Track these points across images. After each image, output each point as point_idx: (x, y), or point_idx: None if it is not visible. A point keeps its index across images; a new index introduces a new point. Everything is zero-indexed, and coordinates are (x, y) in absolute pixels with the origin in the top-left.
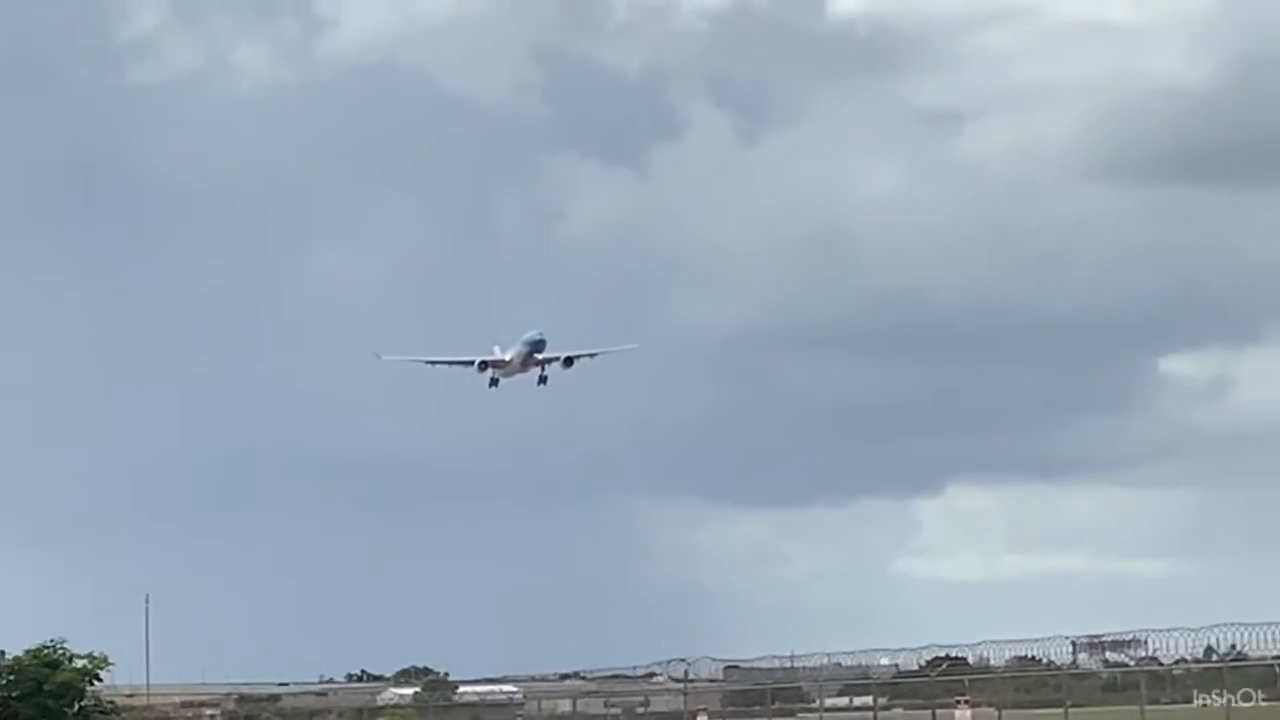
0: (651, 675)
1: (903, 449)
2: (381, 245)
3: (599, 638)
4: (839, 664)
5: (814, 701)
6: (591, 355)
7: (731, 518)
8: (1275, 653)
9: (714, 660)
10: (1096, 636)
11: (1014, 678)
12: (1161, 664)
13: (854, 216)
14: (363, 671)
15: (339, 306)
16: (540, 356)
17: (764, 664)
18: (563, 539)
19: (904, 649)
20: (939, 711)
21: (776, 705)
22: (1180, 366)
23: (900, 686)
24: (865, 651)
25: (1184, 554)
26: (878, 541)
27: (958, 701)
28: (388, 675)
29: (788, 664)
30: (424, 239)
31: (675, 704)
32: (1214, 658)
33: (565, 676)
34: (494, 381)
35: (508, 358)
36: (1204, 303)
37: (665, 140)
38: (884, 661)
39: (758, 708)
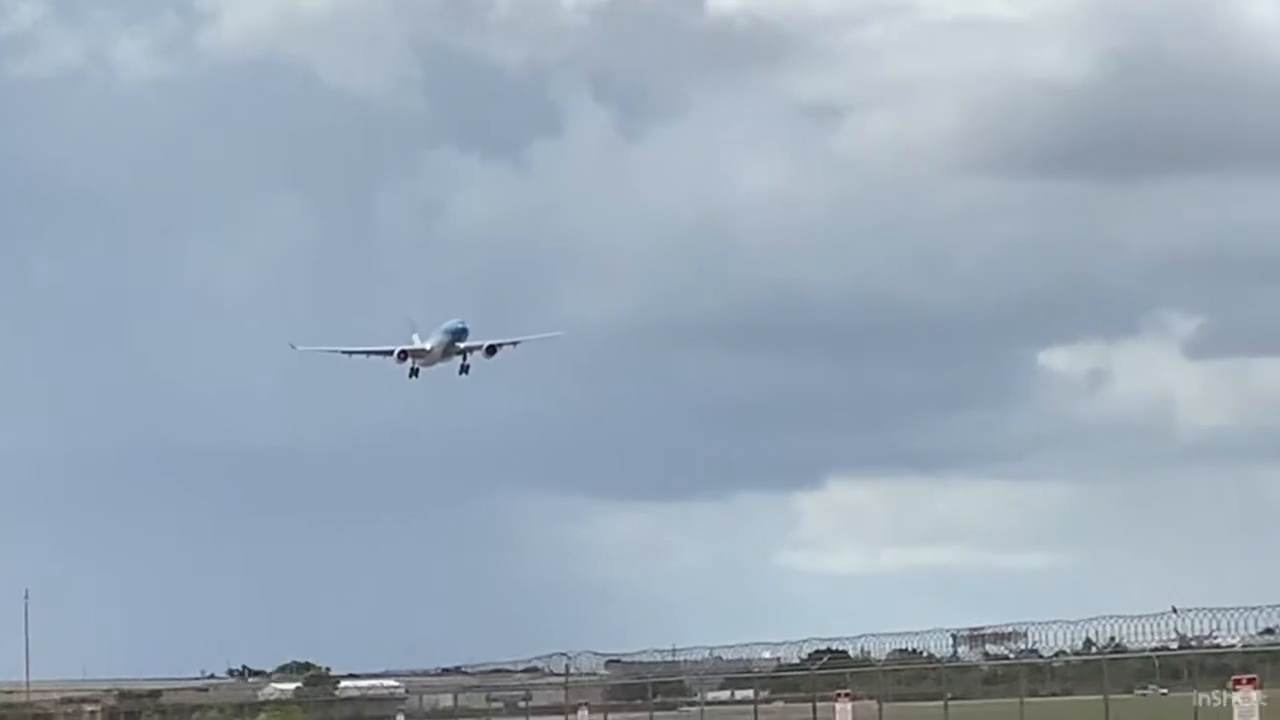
0: (533, 669)
1: (783, 442)
2: (259, 239)
3: (481, 632)
4: (720, 658)
5: (696, 695)
6: (514, 343)
7: (613, 511)
8: (1154, 645)
9: (595, 654)
10: (977, 629)
11: (894, 670)
12: (1041, 656)
13: (735, 211)
14: (244, 667)
15: (215, 301)
16: (462, 345)
17: (645, 658)
18: (445, 533)
19: (785, 642)
20: (820, 705)
21: (658, 699)
22: (1059, 360)
23: (781, 680)
24: (747, 645)
25: (1063, 546)
26: (758, 535)
27: (839, 695)
28: (269, 670)
29: (669, 657)
30: (302, 233)
31: (557, 698)
32: (1093, 650)
33: (447, 671)
34: (414, 372)
35: (428, 346)
36: (1082, 296)
37: (546, 135)
38: (765, 655)
39: (639, 701)
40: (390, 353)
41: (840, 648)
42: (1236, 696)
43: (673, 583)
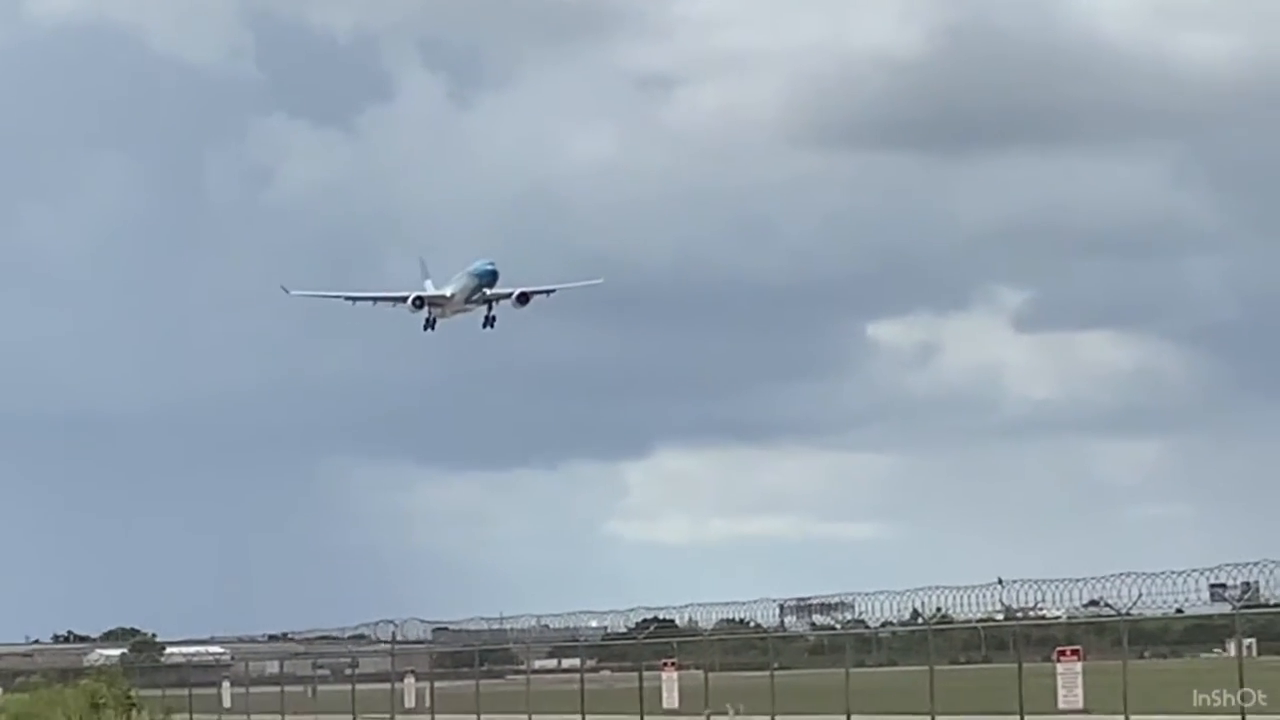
0: (360, 637)
1: (612, 412)
2: (87, 206)
3: (308, 599)
4: (547, 626)
5: (522, 663)
6: (549, 292)
7: (441, 480)
8: (980, 616)
9: (422, 622)
10: (803, 599)
11: (721, 640)
12: (868, 627)
13: (564, 179)
14: (69, 632)
15: (40, 265)
16: (490, 292)
17: (473, 626)
18: (271, 501)
19: (612, 611)
20: (646, 674)
21: (485, 667)
22: (888, 332)
23: (608, 649)
24: (574, 614)
25: (891, 517)
26: (587, 504)
27: (665, 664)
28: (95, 636)
29: (496, 626)
30: (131, 200)
31: (383, 666)
32: (919, 621)
33: (273, 638)
34: (430, 323)
35: (449, 293)
36: (912, 269)
37: (376, 102)
38: (592, 624)
39: (466, 669)
40: (403, 299)
41: (667, 617)
42: (1061, 668)
43: (501, 551)
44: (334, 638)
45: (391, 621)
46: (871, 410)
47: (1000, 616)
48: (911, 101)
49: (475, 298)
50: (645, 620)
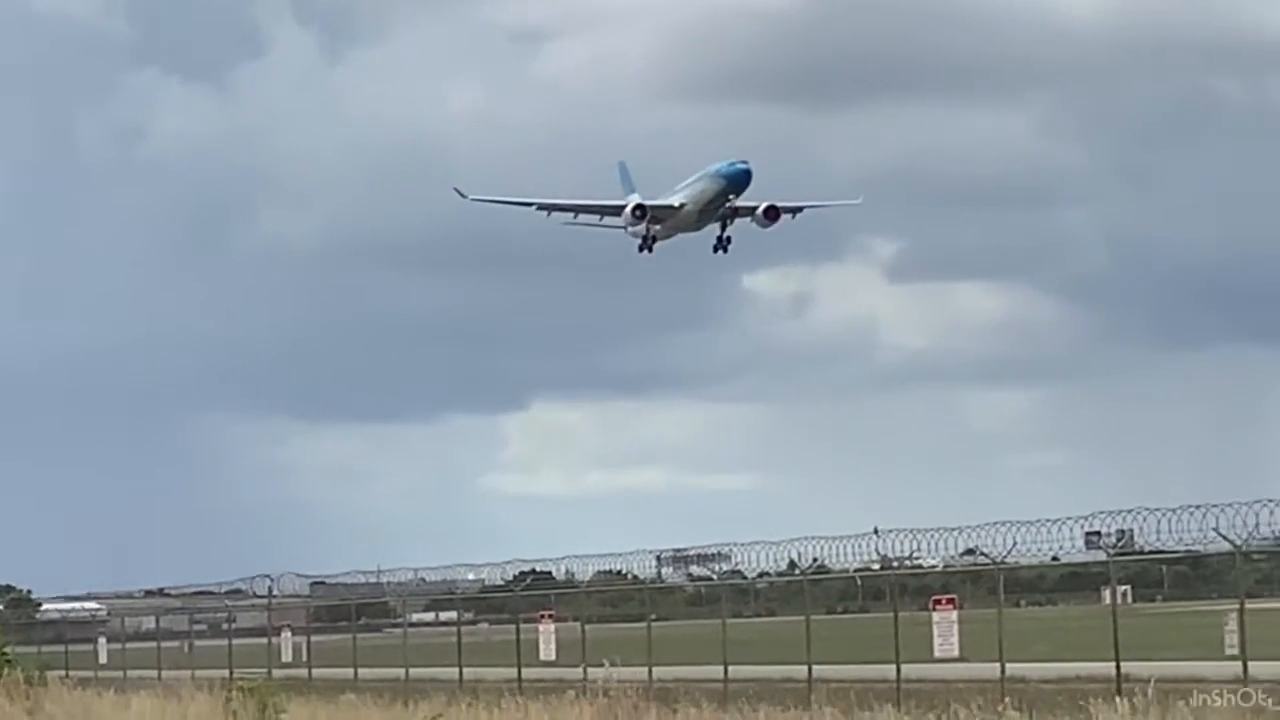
0: (237, 592)
1: (489, 365)
2: None
3: (184, 555)
4: (424, 579)
5: (399, 617)
6: (797, 210)
7: (318, 434)
8: (856, 566)
9: (299, 576)
10: (680, 550)
11: (599, 592)
12: (745, 577)
13: (438, 133)
14: None
15: None
16: (736, 203)
17: (350, 579)
18: (146, 455)
19: (489, 564)
20: (524, 626)
21: (362, 620)
22: (763, 283)
23: (485, 601)
24: (451, 567)
25: (767, 468)
26: (464, 457)
27: (542, 616)
28: None
29: (374, 579)
30: (1, 155)
31: (260, 620)
32: (796, 571)
33: (150, 593)
34: (648, 243)
35: (677, 203)
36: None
37: (249, 58)
38: (469, 577)
39: (343, 623)
40: (616, 209)
41: (544, 569)
42: (936, 616)
43: (377, 505)
44: (211, 593)
45: (268, 576)
46: (747, 361)
47: (876, 566)
48: (782, 53)
49: (713, 209)
50: (522, 573)
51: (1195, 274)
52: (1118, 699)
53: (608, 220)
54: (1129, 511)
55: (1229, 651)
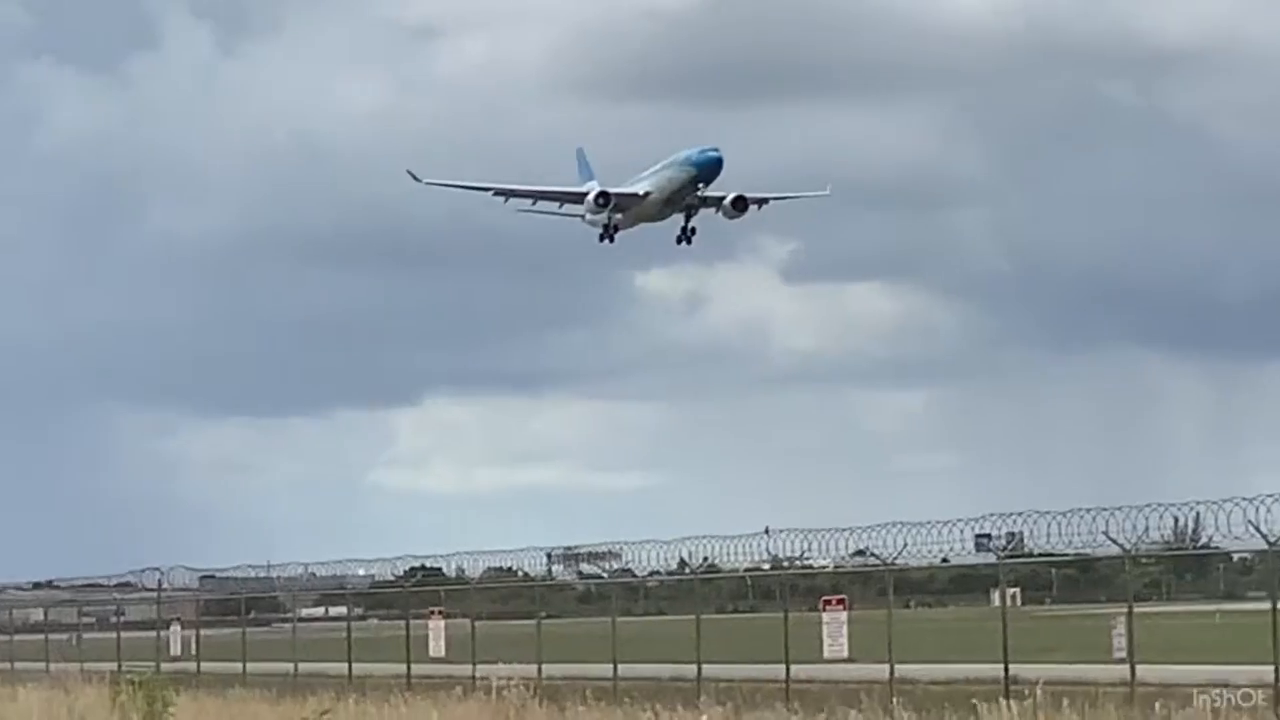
0: (126, 585)
1: (381, 360)
2: None
3: (74, 547)
4: (315, 574)
5: (289, 611)
6: (761, 202)
7: (209, 427)
8: (747, 565)
9: (189, 569)
10: (571, 548)
11: (489, 589)
12: (635, 576)
13: (334, 128)
14: None
15: None
16: (705, 193)
17: (240, 573)
18: (35, 446)
19: (380, 559)
20: (414, 622)
21: (252, 615)
22: (657, 281)
23: (376, 597)
24: (341, 562)
25: (659, 467)
26: (355, 452)
27: (432, 612)
28: None
29: (264, 573)
30: None
31: (149, 613)
32: (687, 570)
33: (38, 585)
34: (609, 232)
35: (642, 191)
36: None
37: (144, 49)
38: (360, 572)
39: (233, 617)
40: (578, 196)
41: (435, 565)
42: (826, 617)
43: (268, 499)
44: (100, 585)
45: (157, 569)
46: (640, 360)
47: (767, 566)
48: (679, 53)
49: (680, 198)
50: (413, 569)
51: (1087, 277)
52: (1006, 701)
53: (567, 208)
54: (1019, 514)
55: (1117, 655)
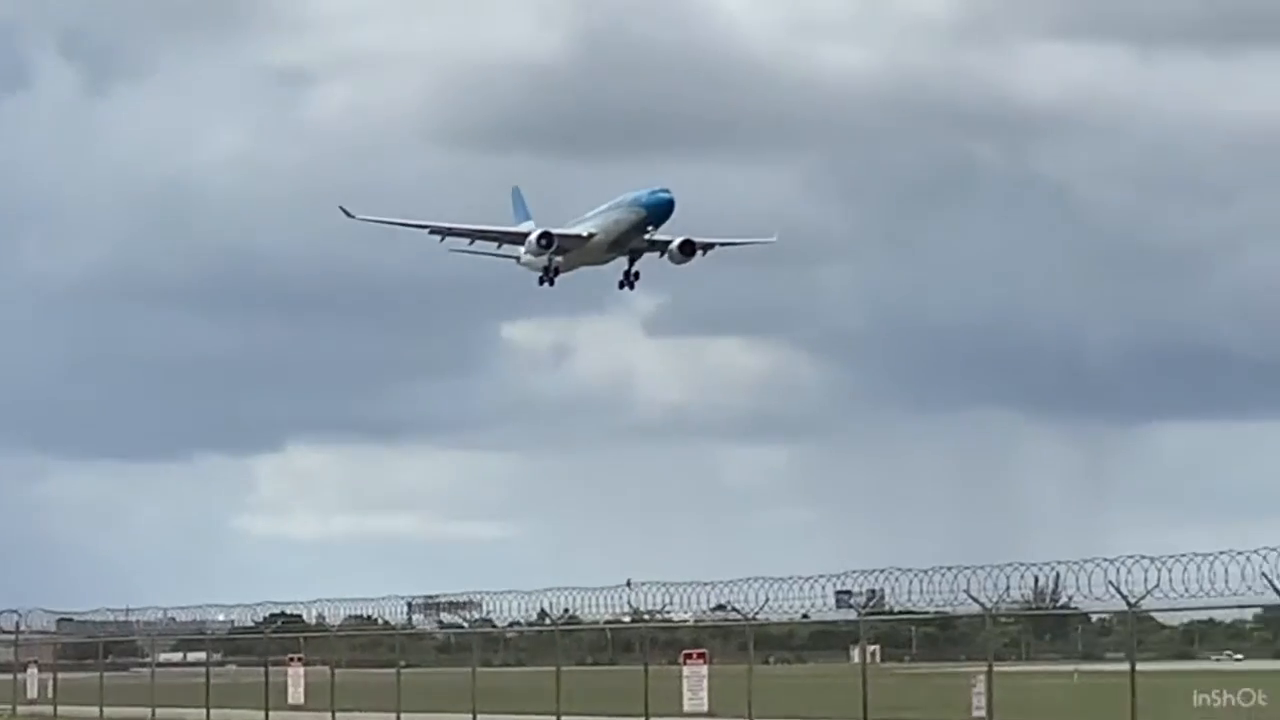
0: None
1: (243, 406)
2: None
3: None
4: (174, 619)
5: (147, 656)
6: (707, 248)
7: (68, 470)
8: (608, 617)
9: (47, 612)
10: (431, 597)
11: (349, 636)
12: (495, 626)
13: (200, 173)
14: None
15: None
16: (651, 235)
17: (98, 617)
18: None
19: (240, 605)
20: (273, 669)
21: (110, 659)
22: (522, 333)
23: (235, 643)
24: (201, 607)
25: (522, 517)
26: (216, 497)
27: (291, 659)
28: None
29: (123, 617)
30: None
31: (6, 656)
32: (547, 621)
33: None
34: (549, 275)
35: (585, 233)
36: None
37: (12, 90)
38: (219, 618)
39: (90, 661)
40: (518, 237)
41: (295, 612)
42: (686, 670)
43: (128, 543)
44: None
45: (15, 611)
46: (504, 410)
47: (627, 619)
48: (549, 105)
49: (626, 241)
50: (273, 615)
51: (951, 336)
52: None
53: (505, 249)
54: (882, 571)
55: (976, 714)
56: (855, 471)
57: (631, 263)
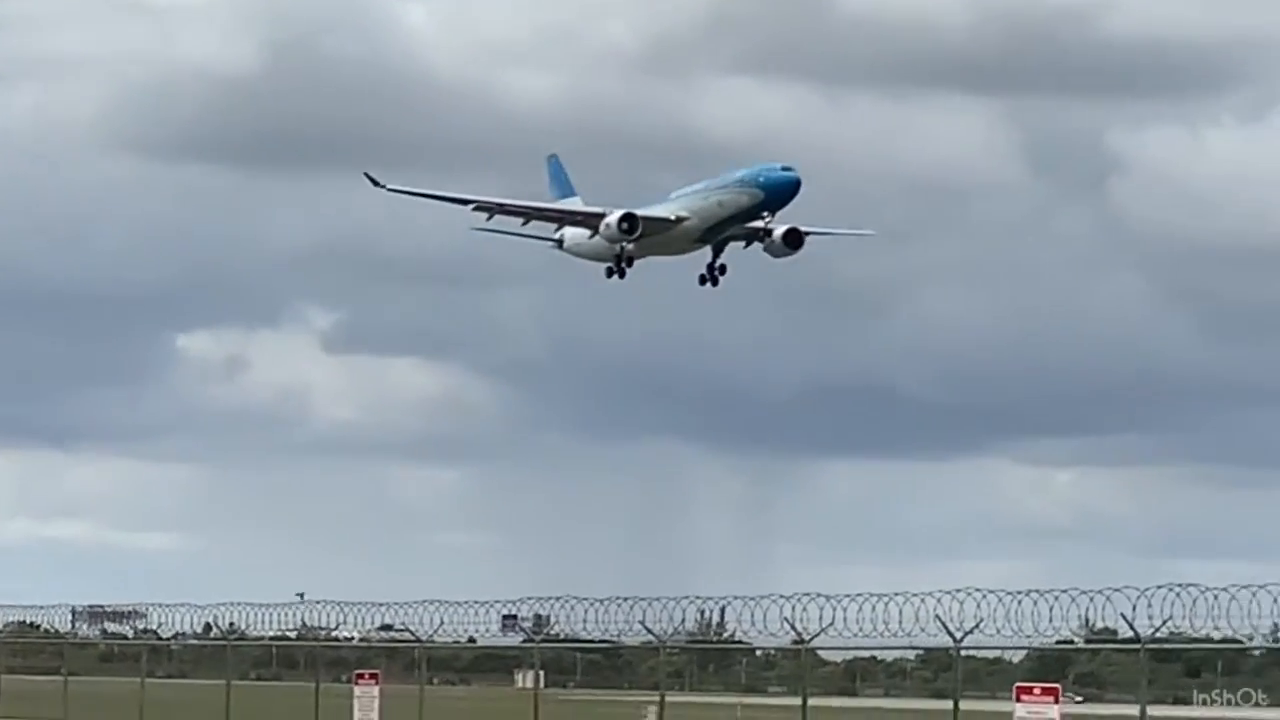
0: None
1: None
2: None
3: None
4: None
5: None
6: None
7: None
8: (274, 633)
9: None
10: (97, 606)
11: (11, 643)
12: (161, 638)
13: None
14: None
15: None
16: (764, 221)
17: None
18: None
19: None
20: None
21: None
22: (198, 344)
23: None
24: None
25: (192, 529)
26: None
27: None
28: None
29: None
30: None
31: None
32: (213, 634)
33: None
34: (621, 265)
35: (673, 216)
36: (224, 283)
37: None
38: None
39: None
40: (593, 218)
41: None
42: (358, 690)
43: None
44: None
45: None
46: (176, 420)
47: (294, 635)
48: (233, 117)
49: (724, 228)
50: None
51: (629, 366)
52: None
53: (534, 228)
54: (556, 598)
55: None
56: (530, 497)
57: (717, 254)
